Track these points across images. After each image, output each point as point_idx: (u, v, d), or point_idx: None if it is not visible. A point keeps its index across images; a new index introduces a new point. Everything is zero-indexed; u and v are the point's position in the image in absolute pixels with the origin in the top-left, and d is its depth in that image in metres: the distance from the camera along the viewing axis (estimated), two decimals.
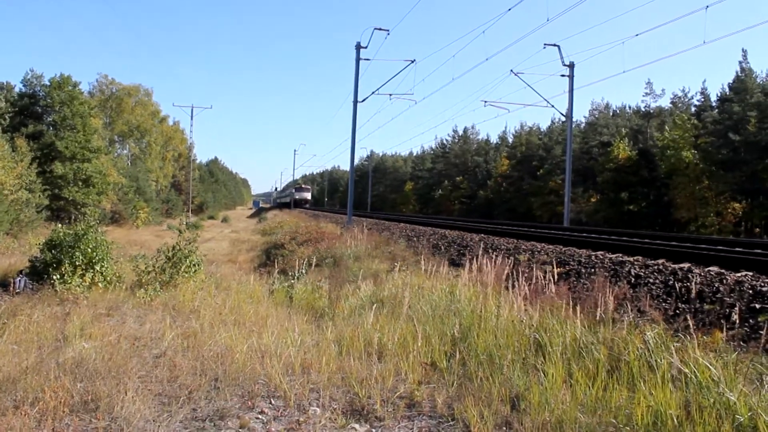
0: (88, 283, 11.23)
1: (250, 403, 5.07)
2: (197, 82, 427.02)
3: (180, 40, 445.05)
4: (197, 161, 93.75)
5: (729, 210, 37.31)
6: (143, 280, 11.41)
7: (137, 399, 4.81)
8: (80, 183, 40.34)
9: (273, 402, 5.13)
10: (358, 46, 31.34)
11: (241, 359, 6.00)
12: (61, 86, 40.68)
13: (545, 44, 31.37)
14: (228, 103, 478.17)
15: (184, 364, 5.92)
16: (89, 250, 11.79)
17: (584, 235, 15.43)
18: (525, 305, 7.12)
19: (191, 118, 65.73)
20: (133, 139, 69.02)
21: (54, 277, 10.98)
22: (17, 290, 11.24)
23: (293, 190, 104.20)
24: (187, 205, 75.40)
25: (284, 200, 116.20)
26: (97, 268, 11.73)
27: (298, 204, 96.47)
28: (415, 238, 18.84)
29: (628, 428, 4.21)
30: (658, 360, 5.14)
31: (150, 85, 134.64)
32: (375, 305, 8.16)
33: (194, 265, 12.12)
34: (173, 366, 5.89)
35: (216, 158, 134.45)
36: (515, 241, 15.18)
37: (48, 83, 40.95)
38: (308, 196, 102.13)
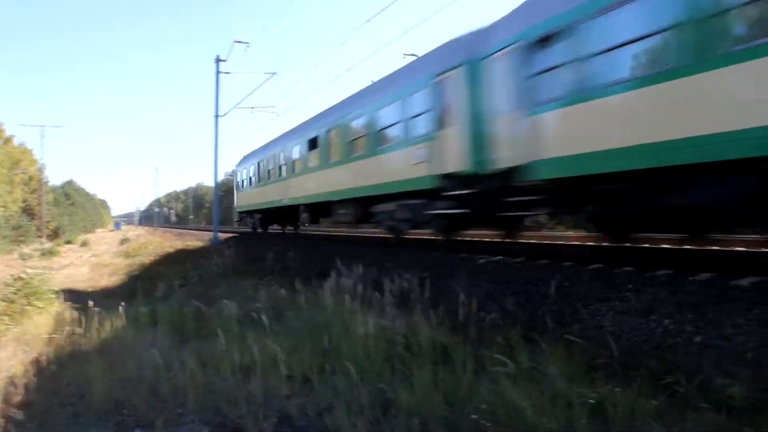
0: None
1: None
2: (48, 101, 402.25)
3: (28, 57, 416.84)
4: (50, 184, 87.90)
5: None
6: None
7: None
8: None
9: None
10: (218, 59, 30.75)
11: (103, 391, 5.72)
12: None
13: (405, 54, 32.16)
14: (83, 122, 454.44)
15: (40, 401, 5.58)
16: None
17: (452, 239, 15.93)
18: (393, 311, 7.28)
19: (41, 139, 61.53)
20: None
21: None
22: None
23: None
24: (41, 231, 70.53)
25: None
26: None
27: None
28: (284, 252, 18.67)
29: (490, 424, 4.40)
30: (515, 357, 5.44)
31: None
32: (243, 323, 8.07)
33: (48, 293, 11.44)
34: (28, 405, 5.53)
35: (72, 180, 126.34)
36: (384, 247, 15.45)
37: None
38: None
